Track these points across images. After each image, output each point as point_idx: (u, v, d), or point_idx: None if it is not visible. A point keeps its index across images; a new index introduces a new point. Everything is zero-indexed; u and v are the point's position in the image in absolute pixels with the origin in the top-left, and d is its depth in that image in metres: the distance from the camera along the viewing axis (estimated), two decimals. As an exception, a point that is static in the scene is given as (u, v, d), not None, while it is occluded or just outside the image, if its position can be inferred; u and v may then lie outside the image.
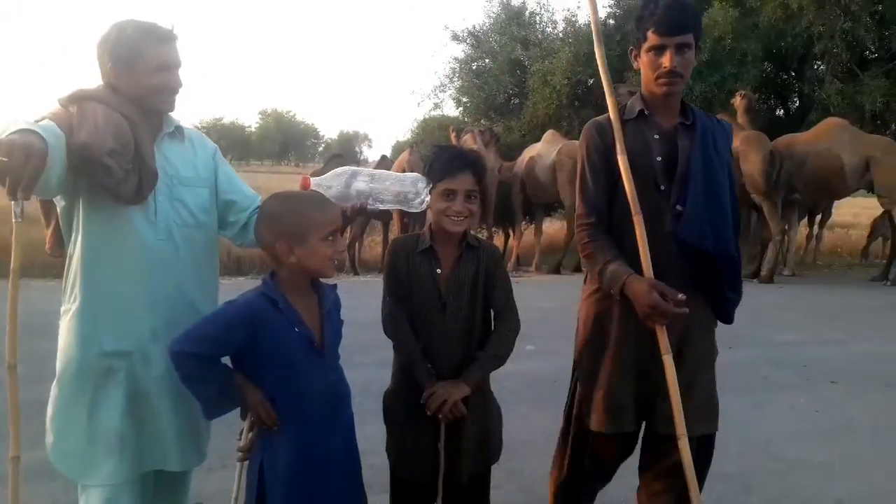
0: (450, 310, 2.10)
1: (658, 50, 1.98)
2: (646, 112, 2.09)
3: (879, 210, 10.72)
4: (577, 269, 10.26)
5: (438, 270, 2.13)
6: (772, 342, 5.94)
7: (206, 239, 2.11)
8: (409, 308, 2.13)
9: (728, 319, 2.18)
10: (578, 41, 12.62)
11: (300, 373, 1.82)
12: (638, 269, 2.00)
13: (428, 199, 2.15)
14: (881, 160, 9.16)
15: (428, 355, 2.10)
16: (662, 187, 2.03)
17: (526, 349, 5.13)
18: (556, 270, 10.26)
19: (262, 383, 1.80)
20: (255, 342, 1.76)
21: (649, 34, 1.98)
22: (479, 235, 9.95)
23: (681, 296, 1.91)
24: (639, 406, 2.12)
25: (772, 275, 9.44)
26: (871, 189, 9.54)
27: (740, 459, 3.41)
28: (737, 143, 9.21)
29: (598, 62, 2.11)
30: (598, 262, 2.06)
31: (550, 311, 6.85)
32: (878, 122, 11.42)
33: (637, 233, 1.97)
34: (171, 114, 2.06)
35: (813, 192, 9.89)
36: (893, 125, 12.01)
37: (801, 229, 11.62)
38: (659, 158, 2.04)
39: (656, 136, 2.06)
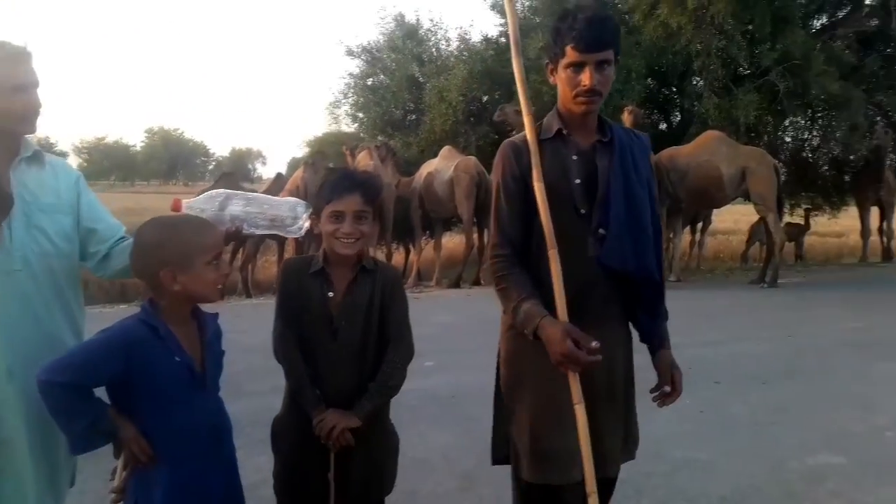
0: (341, 336, 2.06)
1: (577, 67, 1.87)
2: (564, 131, 1.99)
3: (756, 217, 11.53)
4: (477, 283, 10.44)
5: (331, 294, 2.07)
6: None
7: (68, 268, 2.01)
8: (300, 332, 2.08)
9: (661, 343, 2.10)
10: (472, 58, 12.90)
11: (179, 405, 1.74)
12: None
13: (306, 224, 2.13)
14: (755, 170, 9.87)
15: (318, 382, 2.05)
16: (583, 211, 1.94)
17: (425, 365, 5.14)
18: (456, 284, 10.38)
19: (138, 416, 1.72)
20: (131, 372, 1.67)
21: (568, 50, 1.86)
22: (377, 256, 9.97)
23: (595, 343, 1.80)
24: (569, 454, 1.92)
25: (660, 281, 9.90)
26: (747, 197, 10.22)
27: (630, 464, 3.55)
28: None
29: (517, 78, 2.01)
30: (512, 299, 1.94)
31: (449, 327, 6.95)
32: (752, 134, 12.24)
33: (552, 270, 1.86)
34: (34, 136, 1.97)
35: (695, 201, 10.52)
36: (766, 137, 12.88)
37: (685, 236, 12.29)
38: (578, 181, 1.94)
39: (574, 157, 1.96)
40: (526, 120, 1.95)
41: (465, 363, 5.35)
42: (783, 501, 3.20)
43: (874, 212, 13.43)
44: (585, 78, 1.86)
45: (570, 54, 1.87)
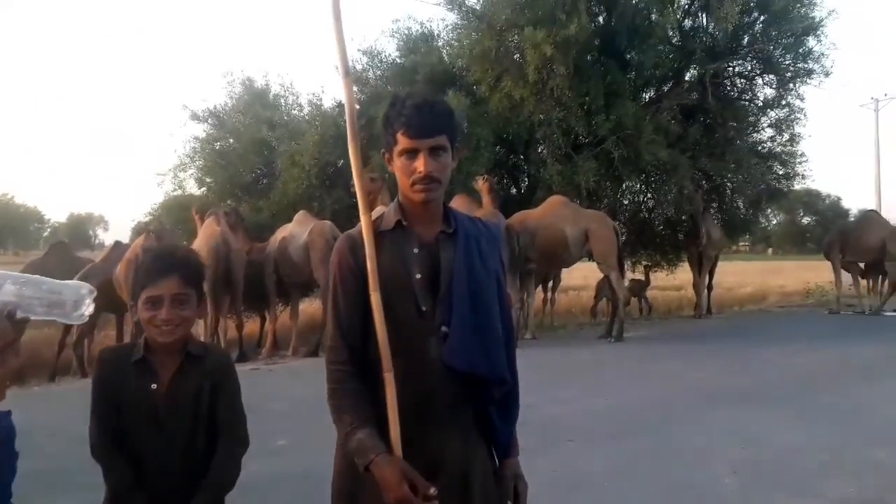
0: (168, 430, 1.93)
1: (410, 154, 1.79)
2: (404, 222, 1.86)
3: (602, 274, 12.26)
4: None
5: (154, 386, 1.93)
6: (516, 407, 6.34)
7: None
8: (121, 427, 1.92)
9: (508, 450, 1.95)
10: (325, 123, 12.99)
11: None
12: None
13: (90, 310, 2.00)
14: (596, 231, 10.59)
15: (144, 481, 1.91)
16: (424, 308, 1.81)
17: (277, 444, 4.94)
18: (315, 353, 10.12)
19: None
20: None
21: (399, 136, 1.79)
22: (226, 326, 9.49)
23: (432, 490, 1.67)
24: None
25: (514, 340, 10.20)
26: (591, 257, 10.87)
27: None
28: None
29: (353, 164, 1.92)
30: (345, 423, 1.77)
31: (304, 401, 6.67)
32: (594, 197, 13.10)
33: (387, 396, 1.73)
34: None
35: (545, 261, 11.06)
36: (606, 200, 13.83)
37: (538, 295, 12.83)
38: (419, 275, 1.82)
39: (415, 250, 1.84)
40: (363, 218, 1.84)
41: (320, 440, 5.05)
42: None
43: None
44: (420, 165, 1.78)
45: (402, 141, 1.79)
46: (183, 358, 1.98)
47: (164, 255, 2.01)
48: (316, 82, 61.57)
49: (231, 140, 13.91)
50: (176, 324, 1.92)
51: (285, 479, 4.34)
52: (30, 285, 1.95)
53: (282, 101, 14.02)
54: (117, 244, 10.71)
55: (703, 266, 14.29)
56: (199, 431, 1.97)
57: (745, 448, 4.97)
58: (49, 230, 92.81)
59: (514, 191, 14.96)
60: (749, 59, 14.45)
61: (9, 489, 1.65)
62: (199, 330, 9.42)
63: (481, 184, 10.93)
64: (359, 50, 14.54)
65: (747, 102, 15.23)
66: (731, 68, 14.76)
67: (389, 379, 1.74)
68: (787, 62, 14.08)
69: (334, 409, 1.82)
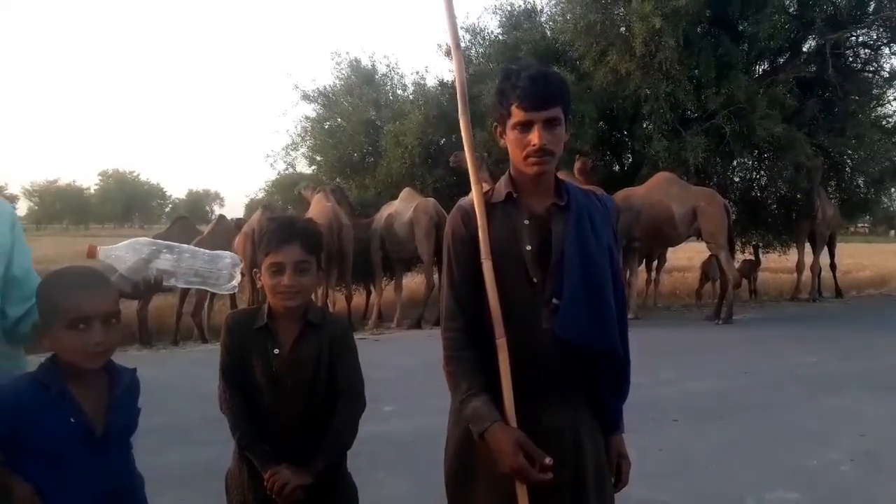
0: (289, 393, 2.00)
1: (524, 126, 1.75)
2: (514, 195, 1.84)
3: (708, 254, 11.81)
4: (438, 323, 10.38)
5: (276, 350, 2.00)
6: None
7: None
8: (246, 388, 2.02)
9: (615, 427, 1.93)
10: (428, 103, 13.07)
11: (72, 470, 1.62)
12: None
13: (236, 282, 2.09)
14: (706, 209, 10.16)
15: (267, 438, 2.00)
16: (535, 279, 1.78)
17: (384, 410, 5.09)
18: (418, 325, 10.33)
19: (26, 476, 1.59)
20: (17, 433, 1.56)
21: (514, 109, 1.76)
22: (337, 298, 9.79)
23: (548, 460, 1.64)
24: None
25: (618, 319, 10.00)
26: (699, 235, 10.48)
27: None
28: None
29: (464, 137, 1.92)
30: (460, 389, 1.77)
31: (410, 370, 6.89)
32: (702, 174, 12.58)
33: (500, 363, 1.72)
34: None
35: (649, 239, 10.75)
36: (715, 177, 13.25)
37: (641, 274, 12.50)
38: (529, 247, 1.79)
39: (526, 222, 1.81)
40: (474, 189, 1.83)
41: (425, 407, 5.26)
42: (743, 539, 3.21)
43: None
44: (534, 137, 1.74)
45: (516, 113, 1.76)
46: (303, 325, 2.04)
47: (286, 224, 2.05)
48: (420, 62, 62.15)
49: (339, 120, 14.21)
50: (297, 290, 1.97)
51: (393, 441, 4.48)
52: (186, 257, 2.09)
53: (387, 81, 14.21)
54: (221, 218, 11.29)
55: (817, 245, 13.45)
56: (319, 394, 2.03)
57: (864, 436, 4.70)
58: (170, 205, 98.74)
59: (616, 168, 14.59)
60: (875, 27, 13.37)
61: (125, 442, 1.79)
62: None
63: (578, 165, 10.82)
64: (461, 27, 14.48)
65: (871, 74, 14.13)
66: (853, 38, 13.68)
67: (502, 345, 1.72)
68: (918, 30, 12.97)
69: (450, 375, 1.82)
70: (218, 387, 2.06)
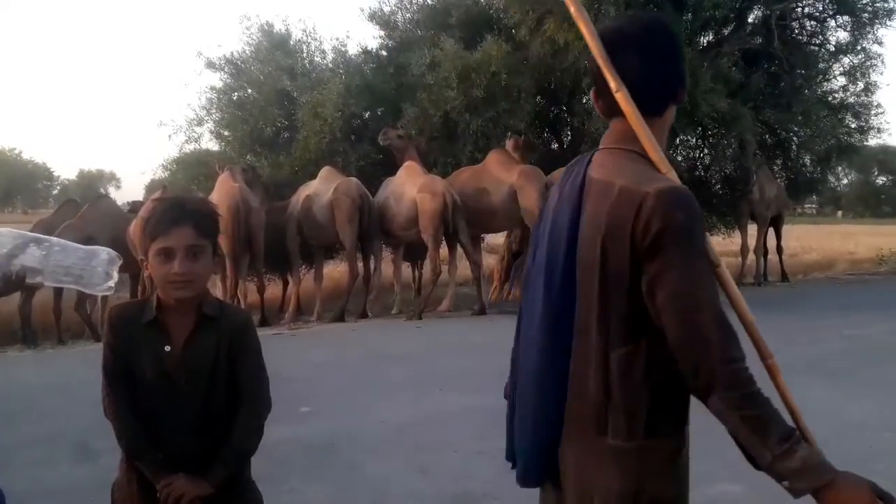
0: (183, 395, 1.96)
1: None
2: None
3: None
4: (363, 316, 10.40)
5: (167, 348, 1.96)
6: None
7: None
8: (134, 390, 1.97)
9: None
10: (349, 72, 12.95)
11: None
12: None
13: (113, 282, 2.03)
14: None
15: (159, 445, 1.96)
16: None
17: (300, 411, 5.09)
18: (340, 318, 10.29)
19: None
20: None
21: None
22: (248, 290, 9.65)
23: None
24: None
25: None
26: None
27: None
28: (514, 177, 10.15)
29: (586, 36, 1.69)
30: (779, 435, 1.47)
31: (330, 366, 6.88)
32: (644, 153, 12.88)
33: (779, 385, 1.65)
34: None
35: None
36: (657, 156, 13.59)
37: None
38: None
39: None
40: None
41: (346, 406, 5.31)
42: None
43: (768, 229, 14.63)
44: None
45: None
46: (198, 318, 2.00)
47: (176, 204, 1.99)
48: (340, 28, 61.31)
49: (250, 91, 13.91)
50: (190, 278, 1.92)
51: (309, 445, 4.48)
52: (60, 251, 2.00)
53: (303, 47, 13.98)
54: (101, 198, 11.28)
55: (759, 226, 14.10)
56: (217, 395, 2.01)
57: (808, 424, 4.94)
58: (59, 188, 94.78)
59: (555, 146, 14.80)
60: (821, -3, 13.99)
61: None
62: (218, 293, 9.63)
63: (510, 144, 11.03)
64: (385, -9, 14.45)
65: (817, 47, 14.73)
66: (799, 9, 14.27)
67: (775, 366, 1.65)
68: (865, 1, 13.57)
69: (754, 420, 1.50)
70: (102, 390, 2.01)
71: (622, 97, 1.60)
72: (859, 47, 14.07)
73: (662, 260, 1.49)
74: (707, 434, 4.77)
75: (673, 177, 1.59)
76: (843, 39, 14.32)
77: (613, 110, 1.65)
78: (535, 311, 1.68)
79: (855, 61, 14.31)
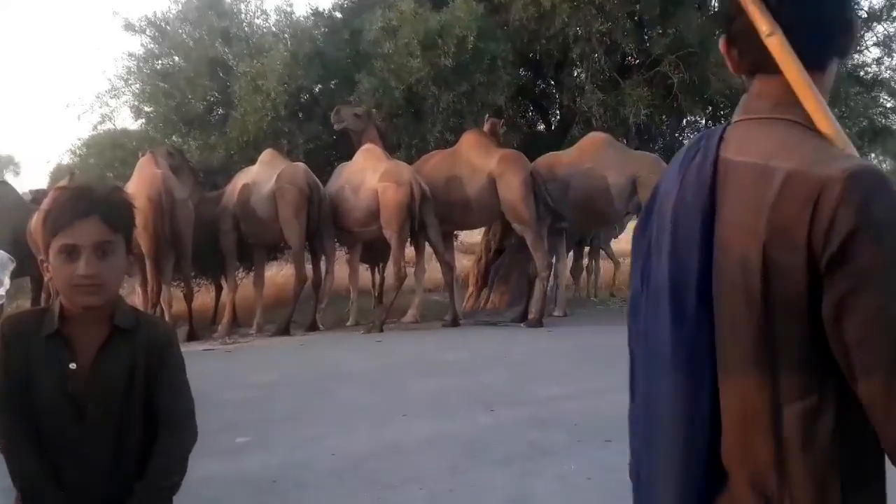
0: (91, 420, 1.93)
1: None
2: None
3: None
4: (313, 328, 10.37)
5: (73, 365, 1.93)
6: (539, 398, 6.48)
7: None
8: (33, 417, 1.94)
9: None
10: (296, 37, 12.86)
11: None
12: None
13: (4, 290, 2.02)
14: (648, 179, 10.48)
15: (61, 481, 1.93)
16: None
17: (236, 442, 5.08)
18: (285, 331, 10.25)
19: None
20: None
21: None
22: (173, 296, 9.57)
23: None
24: None
25: (541, 317, 10.31)
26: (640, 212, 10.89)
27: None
28: (493, 164, 10.17)
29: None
30: None
31: (271, 389, 6.86)
32: (646, 136, 13.05)
33: None
34: None
35: (580, 217, 11.05)
36: (661, 140, 13.75)
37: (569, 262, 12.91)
38: None
39: None
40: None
41: (292, 437, 5.30)
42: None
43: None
44: None
45: None
46: (109, 330, 1.97)
47: (81, 193, 1.95)
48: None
49: (176, 58, 13.76)
50: (98, 281, 1.88)
51: (246, 482, 4.45)
52: None
53: (241, 6, 13.89)
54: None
55: None
56: (133, 422, 1.98)
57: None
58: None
59: (541, 126, 14.90)
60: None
61: None
62: (137, 301, 9.55)
63: (487, 126, 11.08)
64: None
65: (848, 13, 15.04)
66: (827, -32, 14.54)
67: None
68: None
69: None
70: None
71: (777, 43, 1.35)
72: (895, 13, 14.34)
73: (856, 272, 1.23)
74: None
75: (855, 153, 1.37)
76: (878, 5, 14.58)
77: (758, 64, 1.42)
78: (660, 351, 1.46)
79: (891, 30, 14.57)
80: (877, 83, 14.98)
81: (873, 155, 18.48)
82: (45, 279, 1.66)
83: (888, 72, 15.01)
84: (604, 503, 4.27)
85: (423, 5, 12.02)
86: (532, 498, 4.35)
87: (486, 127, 11.25)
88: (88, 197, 1.92)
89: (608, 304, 13.24)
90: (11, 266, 2.04)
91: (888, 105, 15.08)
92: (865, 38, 15.08)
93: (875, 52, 15.03)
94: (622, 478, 4.63)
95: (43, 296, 10.29)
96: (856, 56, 15.18)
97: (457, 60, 11.32)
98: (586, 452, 5.04)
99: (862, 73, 15.00)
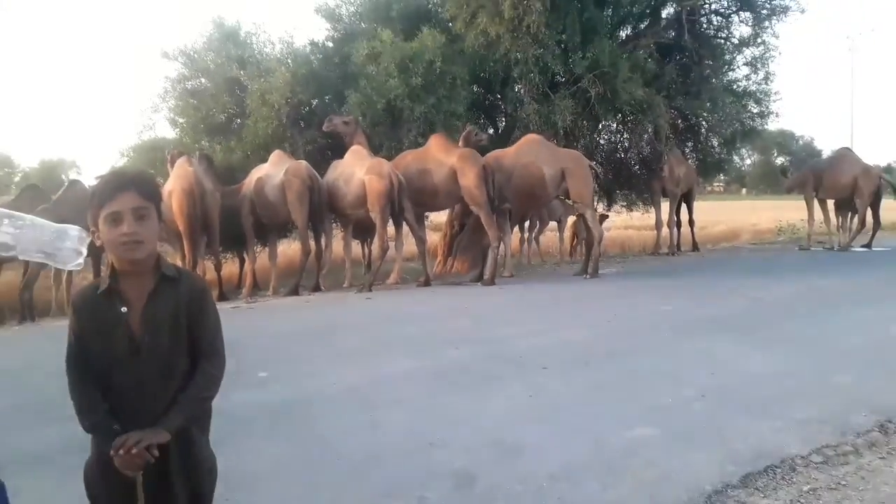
0: (145, 352, 1.91)
1: None
2: None
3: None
4: (316, 289, 10.32)
5: (124, 309, 1.91)
6: (493, 338, 6.52)
7: None
8: (99, 363, 1.92)
9: None
10: (296, 61, 12.71)
11: None
12: None
13: (82, 259, 1.99)
14: (573, 170, 10.65)
15: (122, 404, 1.91)
16: None
17: (258, 376, 5.06)
18: (295, 292, 10.20)
19: None
20: None
21: None
22: (207, 267, 9.47)
23: None
24: None
25: (493, 277, 10.37)
26: (567, 196, 10.94)
27: (466, 454, 3.68)
28: (454, 159, 10.20)
29: None
30: None
31: (285, 336, 6.83)
32: (570, 137, 13.06)
33: None
34: None
35: (521, 200, 11.11)
36: (582, 140, 13.79)
37: (515, 235, 12.96)
38: None
39: None
40: None
41: (302, 371, 5.29)
42: (605, 475, 3.41)
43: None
44: None
45: None
46: (157, 279, 1.96)
47: (118, 173, 2.01)
48: (289, 23, 59.95)
49: (203, 79, 13.54)
50: (139, 238, 1.89)
51: (267, 407, 4.43)
52: (28, 228, 1.95)
53: (253, 38, 13.66)
54: (73, 183, 10.62)
55: (670, 202, 14.59)
56: (180, 353, 1.96)
57: (714, 374, 5.14)
58: (20, 175, 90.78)
59: (491, 130, 14.86)
60: (725, -5, 14.33)
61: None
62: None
63: (464, 135, 11.17)
64: (331, -14, 14.25)
65: (723, 41, 15.13)
66: (707, 5, 14.61)
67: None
68: None
69: None
70: (66, 370, 1.95)
71: None
72: (759, 40, 14.54)
73: None
74: (624, 380, 4.95)
75: None
76: (746, 33, 14.77)
77: None
78: None
79: (756, 53, 14.79)
80: (746, 94, 15.14)
81: (744, 150, 18.76)
82: (97, 244, 1.65)
83: (754, 85, 15.19)
84: (540, 415, 4.33)
85: (398, 36, 11.96)
86: (487, 412, 4.39)
87: (464, 134, 11.31)
88: (124, 176, 1.97)
89: (544, 267, 13.35)
90: (88, 239, 2.01)
91: (754, 111, 15.27)
92: (737, 59, 15.26)
93: (744, 70, 15.23)
94: (556, 394, 4.73)
95: (102, 269, 10.09)
96: (730, 73, 15.37)
97: (426, 80, 11.31)
98: (528, 377, 5.10)
99: (735, 87, 15.17)
